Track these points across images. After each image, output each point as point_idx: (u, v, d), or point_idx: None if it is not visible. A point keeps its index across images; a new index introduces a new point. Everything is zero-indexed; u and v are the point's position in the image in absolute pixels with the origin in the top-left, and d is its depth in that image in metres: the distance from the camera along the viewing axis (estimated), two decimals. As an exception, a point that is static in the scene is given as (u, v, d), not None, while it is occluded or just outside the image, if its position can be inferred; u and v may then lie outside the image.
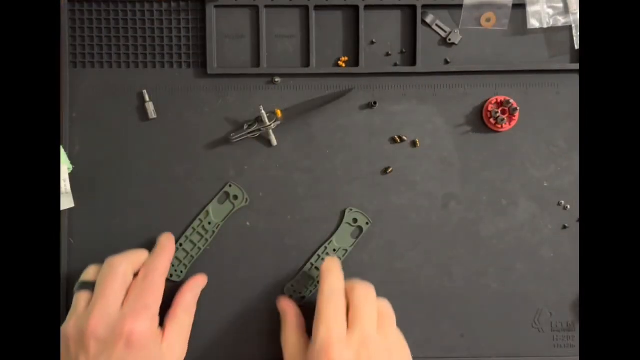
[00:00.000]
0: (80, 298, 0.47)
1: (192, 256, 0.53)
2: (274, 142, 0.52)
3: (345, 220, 0.53)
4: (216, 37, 0.54)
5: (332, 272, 0.47)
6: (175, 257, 0.53)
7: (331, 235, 0.53)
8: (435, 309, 0.54)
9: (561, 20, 0.54)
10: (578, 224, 0.54)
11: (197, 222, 0.53)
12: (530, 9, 0.54)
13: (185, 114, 0.54)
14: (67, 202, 0.52)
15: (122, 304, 0.46)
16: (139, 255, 0.49)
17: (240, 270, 0.53)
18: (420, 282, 0.54)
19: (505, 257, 0.54)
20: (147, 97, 0.54)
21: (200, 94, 0.54)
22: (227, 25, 0.54)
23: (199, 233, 0.53)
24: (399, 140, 0.54)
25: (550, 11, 0.54)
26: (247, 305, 0.53)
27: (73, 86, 0.54)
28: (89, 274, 0.48)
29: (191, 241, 0.53)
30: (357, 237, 0.53)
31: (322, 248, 0.53)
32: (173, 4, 0.54)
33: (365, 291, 0.47)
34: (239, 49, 0.54)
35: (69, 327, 0.45)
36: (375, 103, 0.54)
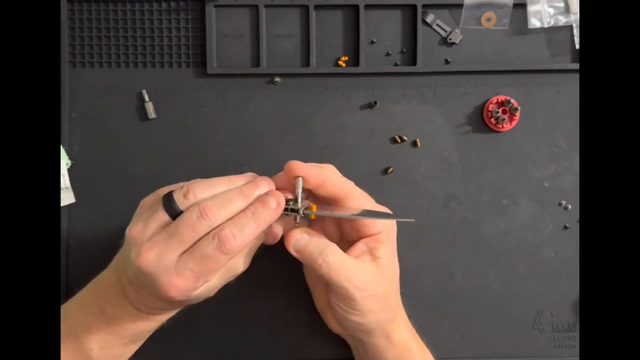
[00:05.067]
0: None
1: None
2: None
3: None
4: (216, 36, 0.54)
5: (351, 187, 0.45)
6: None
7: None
8: (436, 309, 0.54)
9: (562, 20, 0.54)
10: (578, 224, 0.54)
11: None
12: (531, 9, 0.54)
13: (185, 114, 0.54)
14: (67, 197, 0.52)
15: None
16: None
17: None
18: (421, 283, 0.54)
19: (506, 257, 0.54)
20: (146, 97, 0.53)
21: (200, 94, 0.54)
22: (227, 25, 0.54)
23: None
24: (399, 140, 0.54)
25: (551, 10, 0.54)
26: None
27: (72, 86, 0.54)
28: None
29: None
30: None
31: None
32: (173, 4, 0.54)
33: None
34: (239, 49, 0.54)
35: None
36: (375, 103, 0.54)
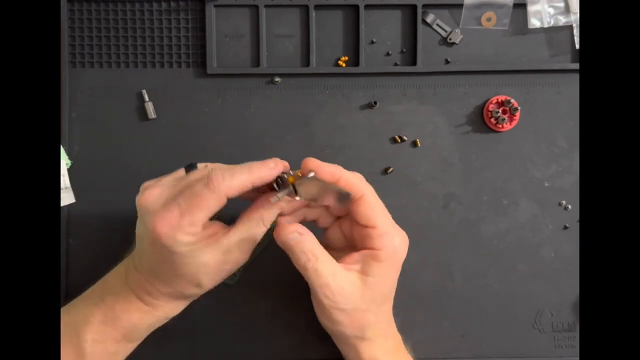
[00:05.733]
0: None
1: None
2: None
3: None
4: (216, 36, 0.54)
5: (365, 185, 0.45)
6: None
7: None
8: (436, 309, 0.54)
9: (562, 20, 0.54)
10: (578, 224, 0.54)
11: None
12: (531, 9, 0.54)
13: (185, 114, 0.54)
14: (67, 197, 0.52)
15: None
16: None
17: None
18: (421, 283, 0.54)
19: (506, 257, 0.54)
20: (146, 97, 0.53)
21: (200, 94, 0.54)
22: (227, 25, 0.54)
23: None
24: (399, 140, 0.54)
25: (551, 10, 0.54)
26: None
27: (72, 86, 0.54)
28: None
29: None
30: None
31: None
32: (173, 4, 0.54)
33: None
34: (239, 49, 0.54)
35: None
36: (375, 103, 0.54)
